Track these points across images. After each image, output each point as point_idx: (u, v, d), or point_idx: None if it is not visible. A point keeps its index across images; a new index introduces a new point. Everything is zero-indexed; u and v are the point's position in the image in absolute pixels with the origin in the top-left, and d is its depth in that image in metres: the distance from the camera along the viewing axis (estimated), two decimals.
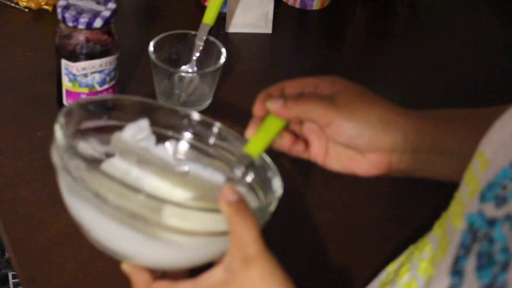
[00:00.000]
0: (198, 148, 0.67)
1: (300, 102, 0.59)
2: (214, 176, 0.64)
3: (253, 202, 0.61)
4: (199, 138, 0.67)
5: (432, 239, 0.53)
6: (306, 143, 0.63)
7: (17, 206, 0.78)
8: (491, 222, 0.40)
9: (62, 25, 0.83)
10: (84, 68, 0.84)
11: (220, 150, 0.67)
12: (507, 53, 1.20)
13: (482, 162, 0.46)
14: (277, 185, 0.60)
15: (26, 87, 0.94)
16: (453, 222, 0.47)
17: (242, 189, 0.61)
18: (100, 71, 0.85)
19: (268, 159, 0.62)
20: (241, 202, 0.51)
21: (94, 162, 0.61)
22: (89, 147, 0.62)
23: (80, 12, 0.81)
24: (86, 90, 0.86)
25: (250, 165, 0.60)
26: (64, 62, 0.84)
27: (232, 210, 0.51)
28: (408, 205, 0.87)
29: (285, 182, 0.87)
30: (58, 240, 0.74)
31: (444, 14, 1.29)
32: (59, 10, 0.81)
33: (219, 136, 0.67)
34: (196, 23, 0.98)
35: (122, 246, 0.54)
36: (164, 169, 0.65)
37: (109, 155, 0.63)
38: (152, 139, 0.65)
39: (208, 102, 0.95)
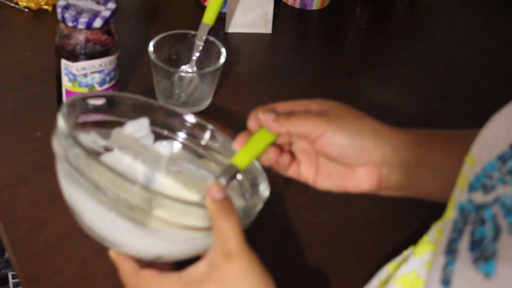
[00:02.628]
0: (193, 149, 0.69)
1: (291, 117, 0.60)
2: (206, 177, 0.66)
3: (239, 202, 0.63)
4: (194, 139, 0.69)
5: (435, 239, 0.55)
6: (297, 162, 0.64)
7: (17, 206, 0.78)
8: (481, 207, 0.42)
9: (62, 25, 0.83)
10: (84, 68, 0.84)
11: (213, 152, 0.69)
12: (507, 53, 1.20)
13: (470, 162, 0.48)
14: (264, 188, 0.62)
15: (26, 87, 0.94)
16: (446, 215, 0.48)
17: (229, 190, 0.62)
18: (100, 71, 0.85)
19: (257, 163, 0.64)
20: (226, 200, 0.53)
21: (93, 153, 0.64)
22: (89, 139, 0.64)
23: (80, 12, 0.81)
24: (86, 90, 0.86)
25: (235, 175, 0.61)
26: (64, 62, 0.84)
27: (216, 207, 0.53)
28: (408, 205, 0.87)
29: (284, 182, 0.87)
30: (58, 240, 0.74)
31: (444, 14, 1.29)
32: (59, 10, 0.81)
33: (212, 138, 0.69)
34: (196, 23, 0.98)
35: (112, 234, 0.56)
36: (159, 167, 0.67)
37: (108, 149, 0.66)
38: (151, 137, 0.67)
39: (208, 102, 0.95)
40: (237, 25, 1.12)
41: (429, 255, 0.55)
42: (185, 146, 0.69)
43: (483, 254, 0.39)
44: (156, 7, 1.17)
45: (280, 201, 0.85)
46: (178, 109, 0.69)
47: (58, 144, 0.56)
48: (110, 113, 0.65)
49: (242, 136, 0.62)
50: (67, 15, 0.81)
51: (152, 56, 0.91)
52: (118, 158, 0.65)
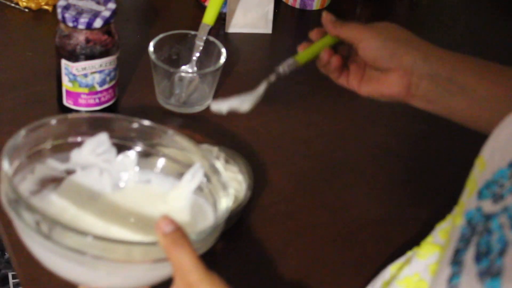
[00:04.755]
0: (157, 155, 0.66)
1: (344, 24, 0.72)
2: (175, 183, 0.64)
3: (210, 213, 0.61)
4: (154, 145, 0.66)
5: (439, 241, 0.54)
6: (347, 72, 0.74)
7: None
8: (489, 217, 0.42)
9: (62, 25, 0.83)
10: (84, 68, 0.84)
11: (176, 154, 0.66)
12: (507, 53, 1.20)
13: (480, 165, 0.48)
14: (224, 206, 0.59)
15: (26, 87, 0.94)
16: (454, 221, 0.47)
17: (201, 199, 0.62)
18: (100, 71, 0.85)
19: (225, 177, 0.62)
20: (177, 231, 0.52)
21: (55, 181, 0.62)
22: (47, 168, 0.62)
23: (80, 12, 0.81)
24: (86, 90, 0.86)
25: (293, 66, 0.73)
26: (64, 62, 0.84)
27: (167, 241, 0.51)
28: (408, 205, 0.87)
29: (285, 182, 0.87)
30: None
31: (444, 14, 1.29)
32: (59, 10, 0.81)
33: (173, 141, 0.66)
34: (196, 23, 0.98)
35: (73, 278, 0.56)
36: (127, 180, 0.65)
37: (70, 172, 0.63)
38: (113, 151, 0.64)
39: (208, 102, 0.95)
40: (237, 25, 1.12)
41: (433, 257, 0.55)
42: (148, 153, 0.66)
43: (489, 270, 0.38)
44: (156, 7, 1.17)
45: (281, 201, 0.85)
46: (134, 118, 0.65)
47: (7, 206, 0.55)
48: (64, 137, 0.63)
49: (305, 43, 0.75)
50: (67, 15, 0.81)
51: (152, 56, 0.91)
52: (83, 179, 0.63)
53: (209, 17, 0.98)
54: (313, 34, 0.75)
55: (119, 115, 0.66)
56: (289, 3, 1.21)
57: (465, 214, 0.44)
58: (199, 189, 0.62)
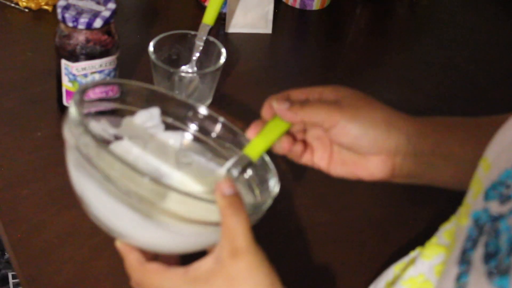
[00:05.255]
0: (203, 141, 0.68)
1: (305, 107, 0.61)
2: (216, 169, 0.65)
3: (248, 198, 0.63)
4: (205, 131, 0.68)
5: (444, 242, 0.54)
6: (311, 150, 0.65)
7: (17, 206, 0.78)
8: (497, 218, 0.41)
9: (62, 25, 0.83)
10: (84, 68, 0.84)
11: (223, 145, 0.68)
12: (507, 53, 1.20)
13: (485, 166, 0.47)
14: (273, 184, 0.61)
15: (26, 87, 0.94)
16: (459, 222, 0.48)
17: (239, 185, 0.62)
18: (100, 71, 0.85)
19: (267, 158, 0.63)
20: (235, 196, 0.53)
21: (103, 142, 0.63)
22: (100, 127, 0.64)
23: (80, 12, 0.81)
24: None
25: (248, 166, 0.62)
26: (64, 62, 0.84)
27: (225, 203, 0.52)
28: (408, 205, 0.87)
29: (285, 182, 0.87)
30: (58, 240, 0.74)
31: (444, 14, 1.29)
32: (59, 10, 0.81)
33: (223, 130, 0.68)
34: (196, 23, 0.98)
35: (120, 225, 0.56)
36: (169, 158, 0.67)
37: (118, 138, 0.65)
38: (161, 127, 0.67)
39: (208, 103, 0.95)
40: (237, 25, 1.12)
41: (438, 258, 0.55)
42: (195, 138, 0.68)
43: (498, 268, 0.38)
44: (156, 7, 1.17)
45: (281, 201, 0.84)
46: (190, 100, 0.68)
47: (69, 132, 0.56)
48: (121, 102, 0.65)
49: (256, 125, 0.63)
50: (67, 15, 0.80)
51: (152, 56, 0.91)
52: (128, 148, 0.64)
53: (209, 17, 0.98)
54: (264, 112, 0.63)
55: (177, 95, 0.68)
56: (289, 3, 1.21)
57: (472, 215, 0.44)
58: (243, 179, 0.64)
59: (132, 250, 0.58)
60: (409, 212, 0.85)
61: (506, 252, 0.38)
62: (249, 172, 0.64)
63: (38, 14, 1.08)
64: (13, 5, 1.09)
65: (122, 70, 0.90)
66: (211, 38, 0.96)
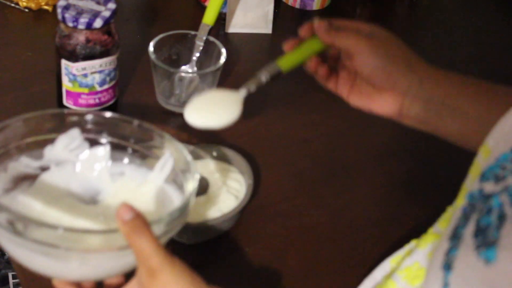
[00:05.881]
0: (127, 147, 0.67)
1: (340, 31, 0.67)
2: (148, 174, 0.65)
3: (177, 198, 0.62)
4: (124, 138, 0.67)
5: (438, 230, 0.55)
6: (336, 77, 0.71)
7: None
8: (489, 196, 0.43)
9: (62, 25, 0.83)
10: (84, 68, 0.84)
11: (145, 147, 0.67)
12: (507, 53, 1.20)
13: (484, 152, 0.49)
14: (190, 189, 0.60)
15: (26, 87, 0.94)
16: (456, 204, 0.49)
17: (169, 187, 0.63)
18: (100, 71, 0.85)
19: (189, 157, 0.62)
20: (136, 218, 0.52)
21: (28, 178, 0.63)
22: (21, 165, 0.63)
23: (80, 12, 0.81)
24: (86, 90, 0.86)
25: (277, 75, 0.67)
26: (64, 62, 0.84)
27: (127, 229, 0.52)
28: (407, 205, 0.87)
29: (285, 182, 0.87)
30: None
31: (444, 14, 1.29)
32: (59, 10, 0.81)
33: (140, 132, 0.66)
34: (196, 23, 0.98)
35: (44, 271, 0.57)
36: (102, 173, 0.66)
37: (44, 169, 0.65)
38: (86, 145, 0.66)
39: None
40: (237, 25, 1.13)
41: (432, 246, 0.55)
42: (120, 146, 0.67)
43: (485, 241, 0.39)
44: (156, 7, 1.17)
45: (281, 201, 0.85)
46: (94, 111, 0.67)
47: None
48: (36, 134, 0.64)
49: (292, 41, 0.70)
50: (67, 15, 0.81)
51: (152, 56, 0.91)
52: (57, 174, 0.65)
53: (209, 17, 0.98)
54: (303, 31, 0.70)
55: (81, 109, 0.67)
56: (289, 3, 1.21)
57: (467, 196, 0.45)
58: (171, 178, 0.64)
59: (68, 285, 0.60)
60: (409, 212, 0.85)
61: (495, 226, 0.40)
62: (179, 174, 0.63)
63: (38, 14, 1.09)
64: (13, 5, 1.09)
65: (122, 70, 0.90)
66: (211, 38, 0.96)
